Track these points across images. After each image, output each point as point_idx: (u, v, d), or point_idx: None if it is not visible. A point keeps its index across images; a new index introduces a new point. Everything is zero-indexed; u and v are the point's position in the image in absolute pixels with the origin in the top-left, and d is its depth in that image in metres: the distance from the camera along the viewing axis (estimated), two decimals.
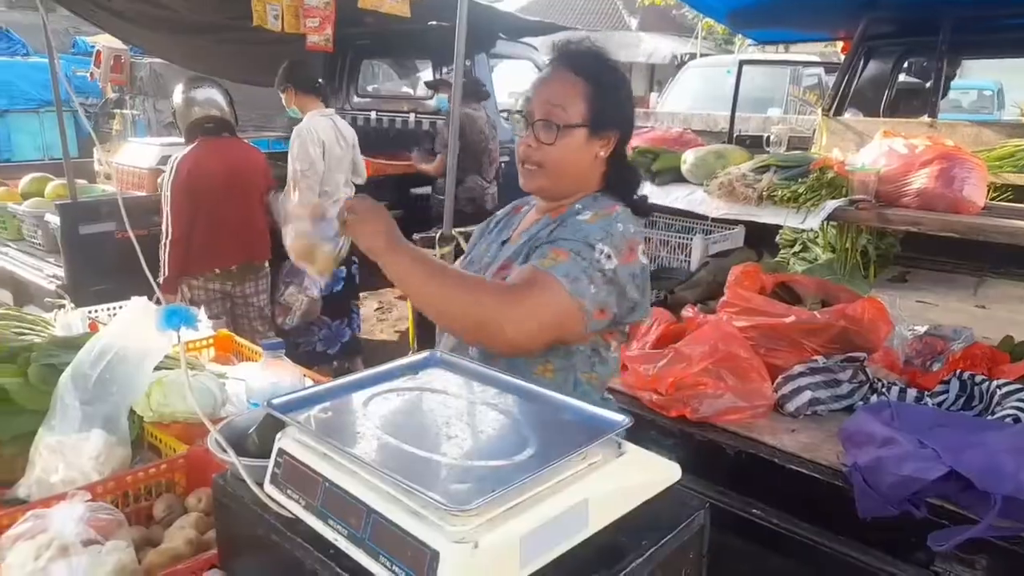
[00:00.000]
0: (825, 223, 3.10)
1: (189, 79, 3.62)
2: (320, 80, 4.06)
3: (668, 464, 1.02)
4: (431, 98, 5.62)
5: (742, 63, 5.45)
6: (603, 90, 1.41)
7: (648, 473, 0.99)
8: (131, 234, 1.14)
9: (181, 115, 3.44)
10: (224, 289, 3.48)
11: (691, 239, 3.16)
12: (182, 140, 3.52)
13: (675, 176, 3.07)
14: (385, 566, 0.82)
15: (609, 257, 1.34)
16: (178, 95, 3.48)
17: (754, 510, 1.87)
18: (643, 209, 1.54)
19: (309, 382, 1.59)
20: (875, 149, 2.67)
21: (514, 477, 0.83)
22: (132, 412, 1.56)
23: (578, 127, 1.39)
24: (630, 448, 0.98)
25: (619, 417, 0.96)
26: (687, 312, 2.47)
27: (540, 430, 0.97)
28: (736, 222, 3.19)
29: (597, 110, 1.40)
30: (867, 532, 1.69)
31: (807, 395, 2.08)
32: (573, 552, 0.88)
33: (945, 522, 1.60)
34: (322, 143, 3.74)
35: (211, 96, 3.46)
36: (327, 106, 3.98)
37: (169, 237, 3.25)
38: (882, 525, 1.66)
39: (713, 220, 3.12)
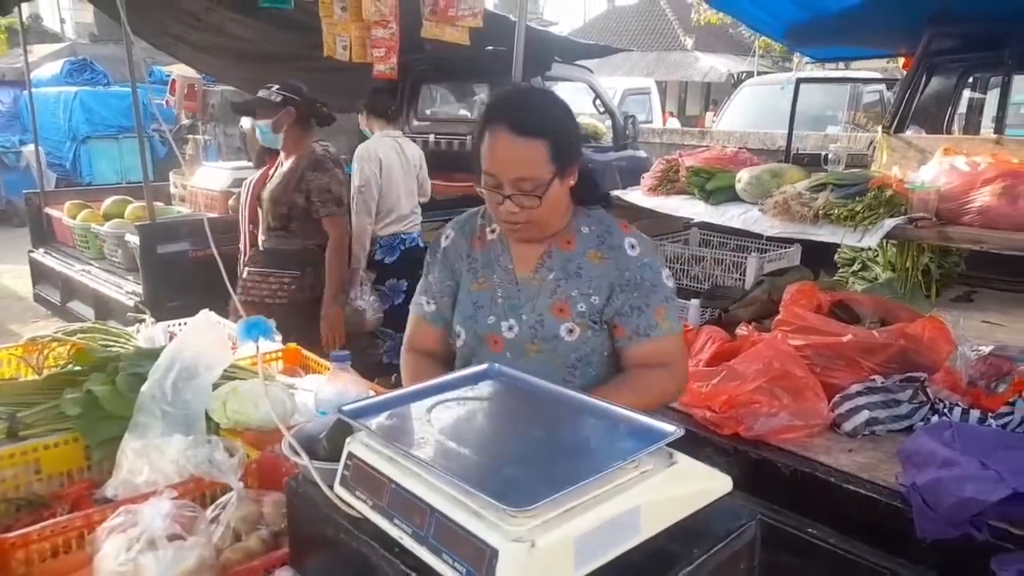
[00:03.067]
0: (884, 242, 3.06)
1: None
2: (392, 107, 4.21)
3: (719, 475, 1.04)
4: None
5: (799, 81, 5.39)
6: (558, 138, 1.47)
7: (699, 483, 1.02)
8: (215, 252, 1.24)
9: (251, 141, 3.67)
10: None
11: (746, 258, 3.15)
12: (251, 164, 3.71)
13: (730, 195, 3.08)
14: (447, 563, 0.87)
15: (669, 276, 1.60)
16: (247, 123, 3.69)
17: (809, 529, 1.86)
18: (610, 201, 1.73)
19: (372, 393, 1.66)
20: (935, 167, 2.63)
21: (569, 482, 0.87)
22: (209, 419, 1.67)
23: (552, 180, 1.47)
24: (682, 458, 1.02)
25: (670, 428, 1.00)
26: (741, 330, 2.47)
27: (593, 439, 1.02)
28: (792, 241, 3.17)
29: (561, 158, 1.47)
30: (926, 554, 1.67)
31: (865, 415, 2.07)
32: (625, 557, 0.91)
33: (1009, 546, 1.57)
34: (379, 161, 3.88)
35: None
36: (395, 128, 4.15)
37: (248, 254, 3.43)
38: (942, 547, 1.64)
39: (768, 239, 3.11)
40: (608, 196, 1.71)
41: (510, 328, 1.58)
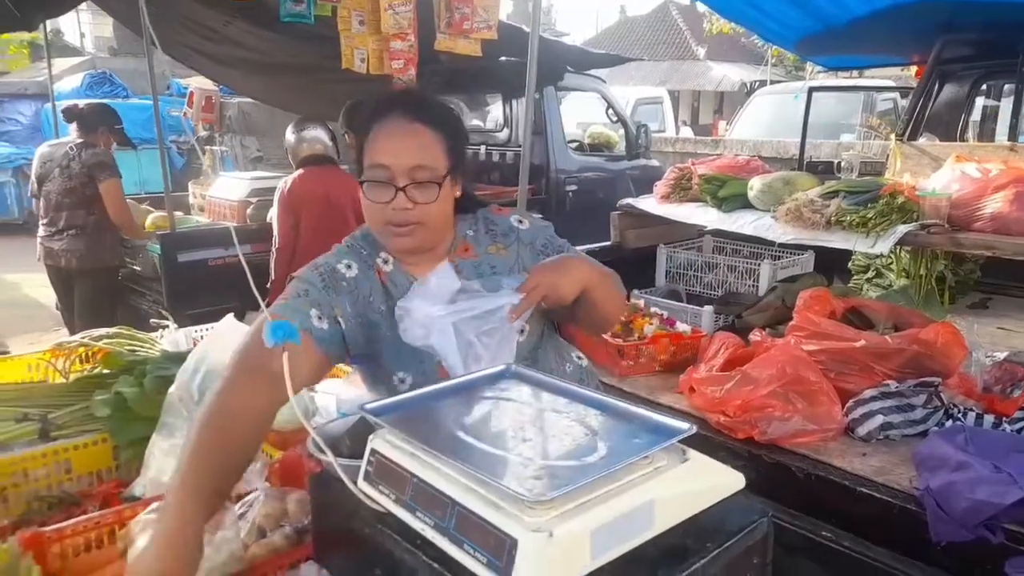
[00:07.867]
0: (898, 249, 3.07)
1: (298, 120, 4.00)
2: None
3: (732, 472, 1.07)
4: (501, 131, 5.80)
5: (811, 90, 5.41)
6: (452, 136, 1.46)
7: (712, 479, 1.05)
8: (241, 257, 1.28)
9: (292, 151, 3.88)
10: None
11: (759, 265, 3.17)
12: (269, 175, 3.83)
13: (742, 203, 3.11)
14: (468, 553, 0.90)
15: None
16: (290, 134, 3.91)
17: (824, 532, 1.87)
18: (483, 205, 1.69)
19: None
20: (947, 174, 2.65)
21: (585, 475, 0.91)
22: None
23: (446, 177, 1.43)
24: (694, 455, 1.04)
25: (684, 425, 1.03)
26: (755, 336, 2.48)
27: (608, 435, 1.04)
28: (804, 247, 3.19)
29: (455, 157, 1.45)
30: (941, 557, 1.68)
31: (879, 419, 2.07)
32: (640, 550, 0.94)
33: (1023, 548, 1.58)
34: None
35: (316, 134, 3.89)
36: None
37: (276, 245, 3.66)
38: (956, 550, 1.64)
39: (781, 246, 3.12)
40: (481, 202, 1.65)
41: None
